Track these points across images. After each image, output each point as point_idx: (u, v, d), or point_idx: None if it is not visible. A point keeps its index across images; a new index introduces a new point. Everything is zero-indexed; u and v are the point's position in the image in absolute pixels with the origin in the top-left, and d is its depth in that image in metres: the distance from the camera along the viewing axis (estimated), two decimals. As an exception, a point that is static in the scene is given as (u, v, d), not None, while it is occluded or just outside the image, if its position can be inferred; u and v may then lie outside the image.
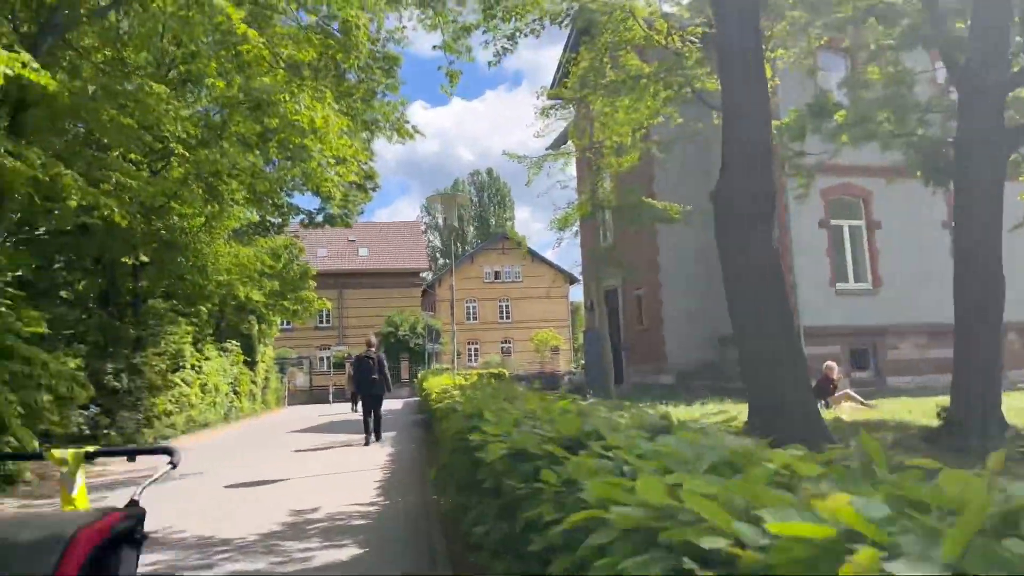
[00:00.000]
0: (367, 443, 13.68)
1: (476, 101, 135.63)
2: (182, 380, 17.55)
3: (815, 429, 7.73)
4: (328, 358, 49.69)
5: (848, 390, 13.79)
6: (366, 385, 13.99)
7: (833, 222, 19.19)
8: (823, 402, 13.46)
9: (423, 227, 72.90)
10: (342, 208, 27.85)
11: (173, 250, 16.74)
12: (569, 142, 19.58)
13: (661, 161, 17.27)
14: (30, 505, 8.70)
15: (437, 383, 10.96)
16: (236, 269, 19.66)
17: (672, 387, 19.86)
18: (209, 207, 17.63)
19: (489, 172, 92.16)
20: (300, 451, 13.12)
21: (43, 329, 11.31)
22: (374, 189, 28.34)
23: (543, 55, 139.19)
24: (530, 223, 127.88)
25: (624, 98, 10.50)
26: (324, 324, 55.53)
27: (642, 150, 15.95)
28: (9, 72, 7.47)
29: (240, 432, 19.48)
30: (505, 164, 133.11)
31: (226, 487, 9.17)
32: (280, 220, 27.21)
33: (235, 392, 23.14)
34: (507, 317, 61.62)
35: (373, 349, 14.60)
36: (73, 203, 9.02)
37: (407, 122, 18.77)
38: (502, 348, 59.30)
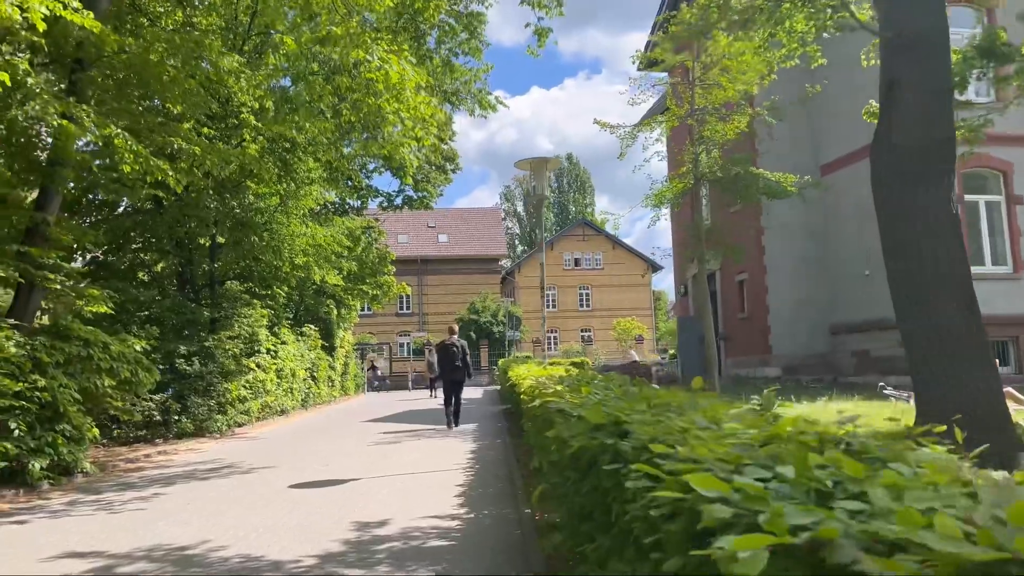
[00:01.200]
0: (449, 427, 13.87)
1: (555, 89, 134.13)
2: (257, 365, 16.86)
3: (1007, 436, 6.10)
4: (408, 344, 49.26)
5: (1010, 388, 11.82)
6: (448, 371, 14.09)
7: (968, 197, 16.98)
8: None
9: (502, 214, 72.09)
10: (420, 187, 26.95)
11: (247, 229, 15.99)
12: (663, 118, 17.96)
13: (768, 131, 15.47)
14: (80, 500, 7.86)
15: (525, 372, 9.71)
16: (313, 250, 18.87)
17: (778, 380, 18.06)
18: (283, 185, 16.84)
19: (569, 157, 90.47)
20: (375, 443, 12.09)
21: (105, 308, 10.58)
22: (455, 171, 27.38)
23: (623, 41, 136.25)
24: (609, 211, 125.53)
25: (757, 32, 8.88)
26: (404, 310, 55.34)
27: (751, 116, 14.22)
28: (46, 12, 6.50)
29: (316, 420, 18.75)
30: (584, 151, 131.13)
31: (290, 487, 8.13)
32: (359, 203, 26.51)
33: (313, 378, 22.51)
34: (587, 305, 60.29)
35: (455, 337, 14.53)
36: (127, 168, 8.10)
37: (489, 94, 17.55)
38: (582, 336, 57.93)
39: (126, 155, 7.86)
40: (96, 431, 10.13)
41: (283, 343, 19.10)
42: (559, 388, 4.80)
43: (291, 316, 23.97)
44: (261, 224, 17.78)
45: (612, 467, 2.56)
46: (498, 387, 29.53)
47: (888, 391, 11.80)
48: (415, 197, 27.70)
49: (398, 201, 28.12)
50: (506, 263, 62.72)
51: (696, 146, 14.40)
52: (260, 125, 14.19)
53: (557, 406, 4.11)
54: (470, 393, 28.50)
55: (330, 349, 25.19)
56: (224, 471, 9.66)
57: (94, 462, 10.44)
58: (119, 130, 7.87)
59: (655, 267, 62.50)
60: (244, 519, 6.59)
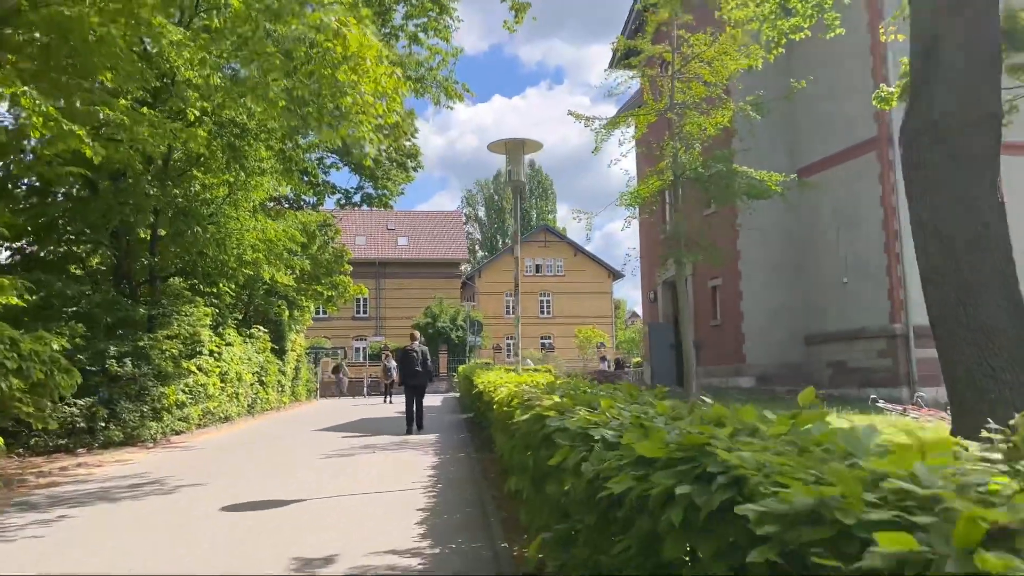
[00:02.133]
0: (409, 432, 13.94)
1: (516, 98, 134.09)
2: (198, 368, 15.52)
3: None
4: (364, 349, 47.82)
5: None
6: (410, 376, 14.39)
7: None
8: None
9: (464, 218, 71.04)
10: (381, 184, 25.75)
11: (190, 220, 14.67)
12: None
13: (749, 128, 14.72)
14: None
15: (496, 379, 8.68)
16: (263, 246, 17.58)
17: (751, 391, 17.35)
18: (232, 174, 15.58)
19: (531, 164, 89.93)
20: (325, 456, 10.92)
21: (14, 300, 9.26)
22: (416, 168, 26.24)
23: (586, 52, 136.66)
24: (569, 220, 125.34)
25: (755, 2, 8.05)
26: (361, 314, 53.90)
27: (734, 110, 13.45)
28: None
29: (263, 428, 17.43)
30: (546, 159, 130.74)
31: (223, 509, 6.97)
32: (315, 199, 25.22)
33: (261, 382, 21.14)
34: (548, 312, 59.64)
35: (416, 343, 14.82)
36: (35, 133, 6.88)
37: (456, 82, 16.53)
38: (542, 344, 57.10)
39: (34, 118, 6.65)
40: (0, 441, 8.82)
41: (228, 344, 17.74)
42: (558, 399, 3.79)
43: (240, 317, 22.56)
44: (207, 216, 16.47)
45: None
46: (457, 394, 28.40)
47: (881, 403, 11.04)
48: (375, 195, 26.50)
49: (356, 198, 26.89)
50: (467, 268, 61.70)
51: (676, 141, 13.56)
52: (206, 104, 12.95)
53: (559, 424, 3.11)
54: (428, 400, 27.31)
55: (280, 352, 23.81)
56: (148, 488, 8.43)
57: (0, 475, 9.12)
58: (26, 88, 6.66)
59: (616, 275, 62.19)
60: (160, 551, 5.44)
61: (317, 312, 51.00)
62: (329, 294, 26.08)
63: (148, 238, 16.20)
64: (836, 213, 17.12)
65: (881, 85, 10.65)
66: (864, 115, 16.30)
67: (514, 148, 8.47)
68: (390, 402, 29.49)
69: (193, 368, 15.34)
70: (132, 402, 13.11)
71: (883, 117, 16.06)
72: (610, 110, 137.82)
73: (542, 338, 59.12)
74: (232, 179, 15.92)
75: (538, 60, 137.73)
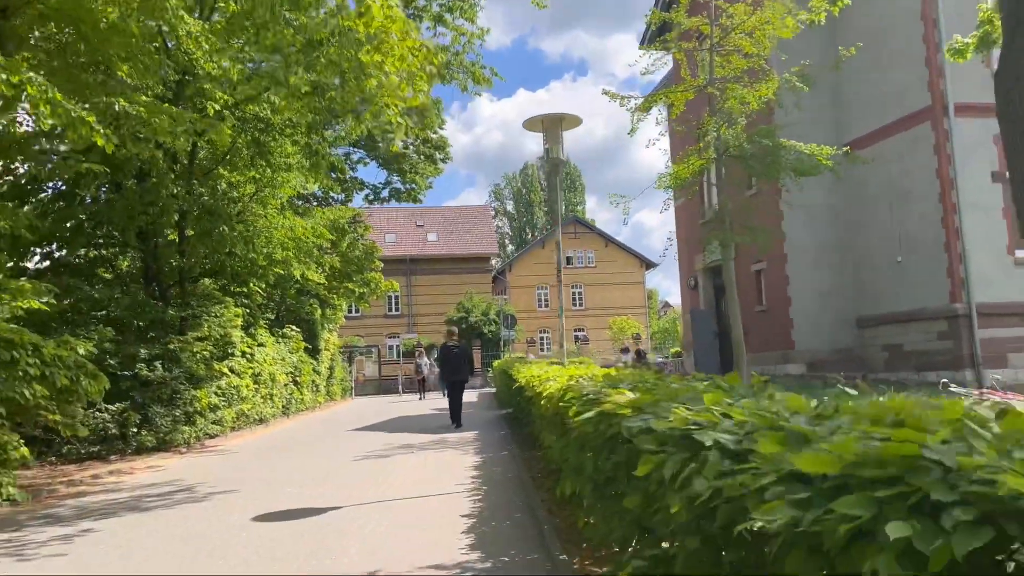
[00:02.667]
0: (454, 425, 14.22)
1: (541, 91, 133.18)
2: (230, 369, 15.20)
3: None
4: (397, 346, 47.60)
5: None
6: (450, 372, 14.76)
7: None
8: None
9: (492, 212, 70.59)
10: (409, 178, 25.31)
11: (216, 219, 14.31)
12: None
13: (795, 101, 13.95)
14: (-12, 542, 6.22)
15: (542, 373, 8.10)
16: (292, 244, 17.21)
17: (802, 378, 16.59)
18: (257, 170, 15.22)
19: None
20: (362, 458, 10.47)
21: (37, 304, 8.92)
22: (444, 160, 25.80)
23: (609, 42, 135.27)
24: (597, 212, 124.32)
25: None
26: (393, 312, 53.73)
27: (779, 82, 12.72)
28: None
29: (297, 429, 17.10)
30: (573, 150, 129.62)
31: (255, 519, 6.52)
32: (343, 195, 24.87)
33: (295, 383, 20.84)
34: (580, 304, 58.97)
35: (455, 338, 15.31)
36: (44, 125, 6.47)
37: (484, 67, 15.95)
38: (575, 336, 56.43)
39: (41, 105, 6.23)
40: (25, 450, 8.49)
41: (260, 345, 17.43)
42: (631, 395, 3.22)
43: (272, 317, 22.31)
44: (234, 214, 16.14)
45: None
46: (493, 390, 27.93)
47: (953, 388, 10.29)
48: (403, 189, 26.16)
49: (385, 193, 26.59)
50: (497, 262, 61.26)
51: (717, 117, 12.85)
52: (227, 97, 12.57)
53: (642, 424, 2.55)
54: (464, 396, 26.88)
55: (314, 352, 23.52)
56: (179, 497, 8.03)
57: (27, 486, 8.80)
58: (32, 73, 6.24)
59: (648, 264, 61.31)
60: (187, 567, 4.99)
61: (350, 311, 51.05)
62: (361, 291, 25.75)
63: (176, 239, 15.94)
64: (887, 188, 16.26)
65: (955, 36, 9.85)
66: (916, 84, 15.42)
67: (551, 125, 7.90)
68: (423, 399, 29.34)
69: (225, 370, 15.02)
70: (164, 406, 12.80)
71: (937, 86, 15.18)
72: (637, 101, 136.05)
73: (575, 330, 58.48)
74: (258, 175, 15.55)
75: (561, 52, 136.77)
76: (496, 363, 26.90)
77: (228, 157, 16.09)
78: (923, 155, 15.27)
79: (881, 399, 1.91)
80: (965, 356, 14.62)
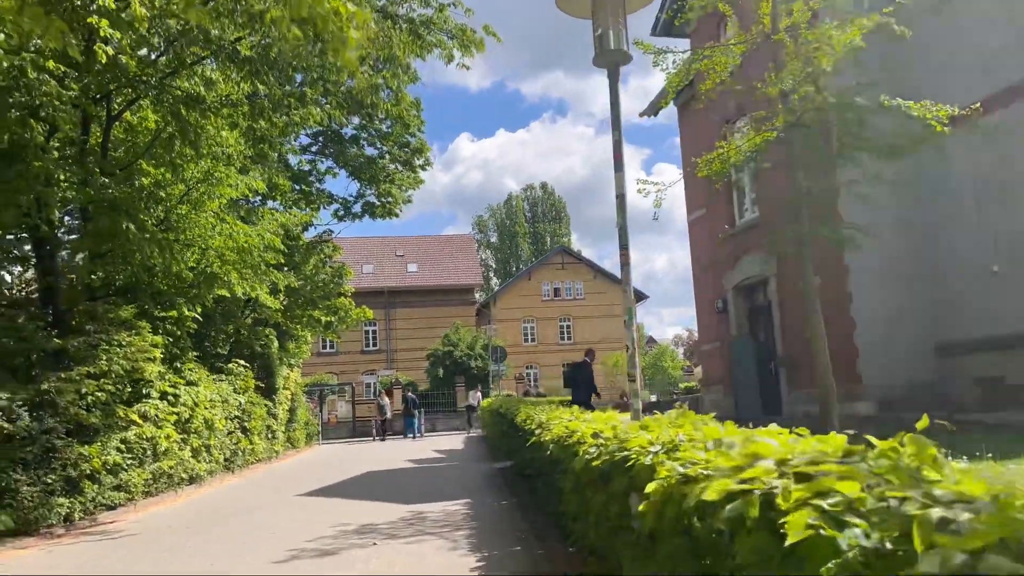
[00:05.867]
0: None
1: (521, 131, 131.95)
2: (142, 416, 11.55)
3: None
4: (374, 384, 43.75)
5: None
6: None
7: None
8: None
9: (475, 242, 67.39)
10: (384, 191, 21.89)
11: (119, 215, 10.75)
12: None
13: (875, 59, 10.69)
14: None
15: (581, 429, 4.66)
16: (232, 255, 13.67)
17: (872, 420, 13.17)
18: (179, 155, 11.76)
19: (543, 187, 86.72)
20: (296, 555, 6.84)
21: None
22: (424, 166, 22.41)
23: (587, 83, 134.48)
24: (581, 247, 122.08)
25: None
26: (370, 347, 50.08)
27: (870, 25, 9.49)
28: None
29: (236, 491, 13.37)
30: (558, 181, 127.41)
31: None
32: (308, 210, 21.37)
33: (243, 430, 17.12)
34: (568, 337, 55.66)
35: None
36: None
37: (474, 31, 12.69)
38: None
39: None
40: None
41: (191, 384, 13.77)
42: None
43: (225, 352, 18.68)
44: (157, 217, 12.63)
45: None
46: (482, 433, 24.28)
47: None
48: (377, 203, 22.68)
49: (357, 208, 23.12)
50: (480, 295, 57.92)
51: (791, 69, 9.55)
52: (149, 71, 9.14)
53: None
54: (450, 443, 23.20)
55: (269, 391, 19.80)
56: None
57: None
58: None
59: (639, 296, 58.34)
60: None
61: (323, 345, 47.40)
62: (328, 320, 22.20)
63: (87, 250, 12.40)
64: (978, 179, 13.03)
65: None
66: (1019, 51, 12.28)
67: (607, 2, 4.55)
68: (383, 439, 28.08)
69: (134, 417, 11.37)
70: (29, 471, 9.12)
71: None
72: (605, 136, 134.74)
73: (563, 365, 55.12)
74: (182, 162, 12.06)
75: (540, 94, 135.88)
76: (486, 402, 23.28)
77: (154, 150, 12.68)
78: (1026, 137, 12.09)
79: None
80: (1099, 390, 11.33)
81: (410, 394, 30.28)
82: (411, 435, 28.39)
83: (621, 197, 4.87)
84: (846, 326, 14.00)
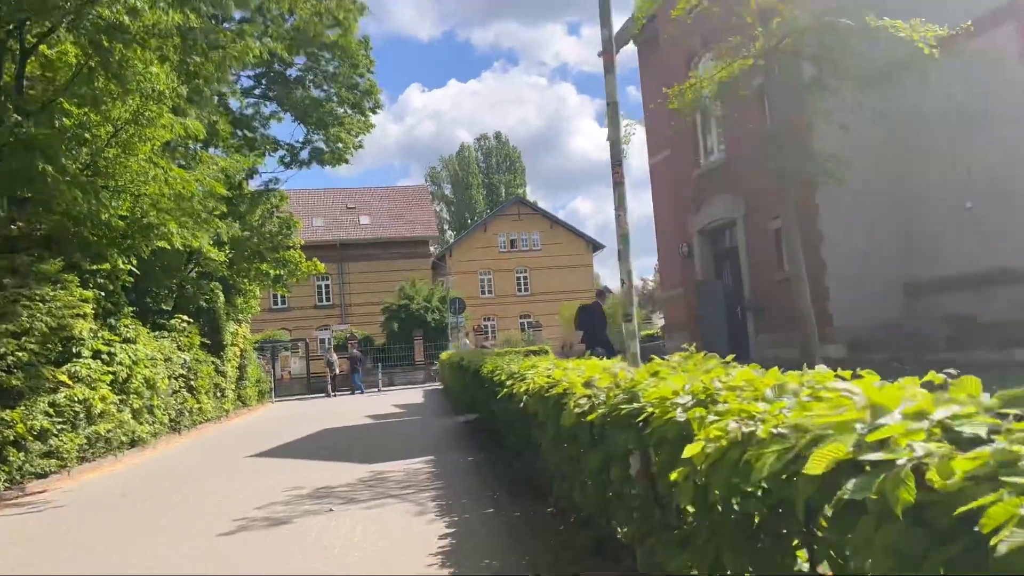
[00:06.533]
0: None
1: (472, 82, 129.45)
2: (72, 376, 10.62)
3: None
4: (329, 339, 42.70)
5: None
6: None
7: None
8: None
9: (430, 193, 65.98)
10: (332, 136, 20.76)
11: (33, 153, 9.65)
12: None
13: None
14: None
15: (570, 377, 4.03)
16: (169, 202, 12.61)
17: (844, 362, 12.88)
18: (99, 86, 10.63)
19: (497, 136, 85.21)
20: (245, 525, 6.15)
21: None
22: (374, 109, 21.28)
23: (539, 32, 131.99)
24: (532, 198, 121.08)
25: None
26: (324, 302, 48.87)
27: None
28: None
29: (183, 454, 12.57)
30: (512, 132, 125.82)
31: None
32: (252, 156, 20.14)
33: (189, 389, 16.22)
34: (526, 289, 55.24)
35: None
36: None
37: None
38: (522, 324, 52.61)
39: None
40: None
41: (128, 341, 12.82)
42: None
43: (169, 308, 17.64)
44: (82, 159, 11.52)
45: None
46: (440, 387, 23.71)
47: None
48: (326, 149, 21.53)
49: (304, 154, 21.94)
50: (436, 249, 56.90)
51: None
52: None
53: None
54: (409, 397, 22.58)
55: (217, 348, 18.83)
56: None
57: None
58: None
59: (596, 246, 58.11)
60: None
61: (275, 301, 46.04)
62: (277, 273, 21.19)
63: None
64: (950, 111, 12.59)
65: None
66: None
67: None
68: (334, 395, 27.64)
69: (63, 377, 10.44)
70: (-60, 440, 8.21)
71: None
72: (569, 90, 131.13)
73: (522, 317, 54.86)
74: (107, 100, 10.93)
75: (491, 43, 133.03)
76: (444, 355, 22.65)
77: (75, 87, 11.49)
78: (1004, 66, 11.63)
79: None
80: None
81: (355, 351, 29.87)
82: (359, 391, 28.23)
83: (613, 105, 4.18)
84: (816, 267, 13.60)
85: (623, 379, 3.34)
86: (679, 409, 2.31)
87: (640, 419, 2.71)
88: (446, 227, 78.91)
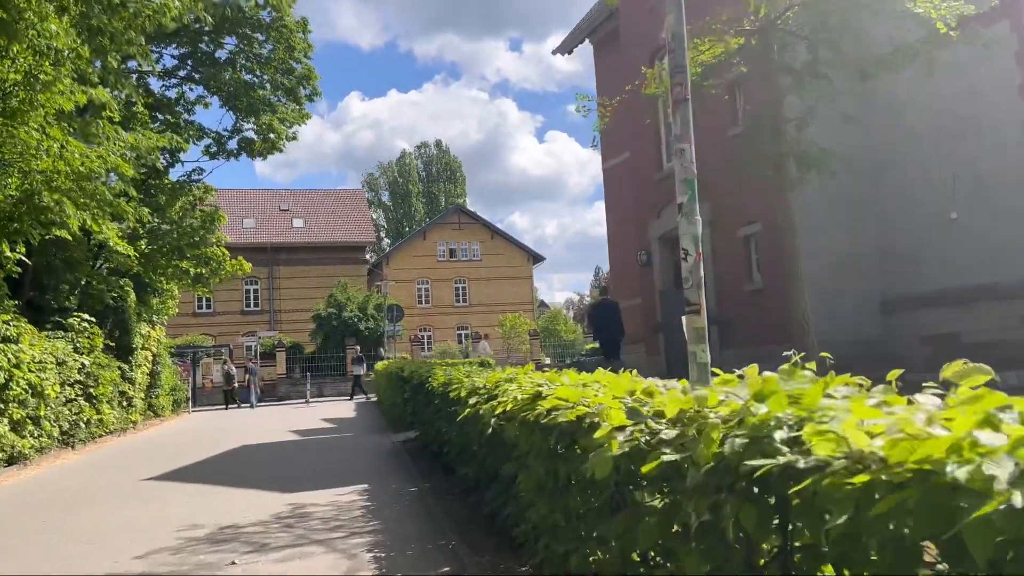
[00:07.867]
0: None
1: (413, 92, 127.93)
2: (-72, 381, 8.75)
3: None
4: (256, 346, 40.36)
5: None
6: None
7: None
8: None
9: (366, 199, 64.05)
10: (265, 123, 19.03)
11: None
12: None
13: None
14: None
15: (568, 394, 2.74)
16: (64, 180, 10.81)
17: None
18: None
19: (438, 144, 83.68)
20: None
21: None
22: (311, 97, 19.64)
23: (481, 47, 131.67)
24: (477, 210, 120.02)
25: None
26: (252, 307, 46.47)
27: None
28: None
29: (65, 477, 10.65)
30: (452, 145, 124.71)
31: None
32: (171, 136, 18.17)
33: (88, 397, 14.25)
34: (465, 300, 53.89)
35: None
36: None
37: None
38: (459, 335, 51.18)
39: None
40: None
41: (8, 341, 10.91)
42: None
43: (73, 306, 15.65)
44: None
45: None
46: (374, 399, 22.06)
47: None
48: (256, 138, 19.76)
49: (233, 144, 20.09)
50: (372, 256, 55.11)
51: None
52: None
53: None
54: (339, 410, 20.86)
55: (124, 352, 16.83)
56: None
57: None
58: None
59: (536, 258, 57.38)
60: None
61: (200, 305, 43.37)
62: (198, 271, 19.26)
63: None
64: (937, 114, 11.82)
65: None
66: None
67: None
68: (238, 407, 26.22)
69: (-85, 382, 8.56)
70: None
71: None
72: (509, 106, 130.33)
73: (459, 327, 53.45)
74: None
75: (433, 56, 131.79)
76: (380, 364, 21.04)
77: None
78: (998, 67, 10.89)
79: None
80: (1066, 348, 10.39)
81: (250, 363, 28.54)
82: (247, 404, 26.89)
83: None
84: (792, 276, 12.61)
85: (712, 405, 2.02)
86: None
87: (799, 488, 1.41)
88: (383, 235, 76.88)
